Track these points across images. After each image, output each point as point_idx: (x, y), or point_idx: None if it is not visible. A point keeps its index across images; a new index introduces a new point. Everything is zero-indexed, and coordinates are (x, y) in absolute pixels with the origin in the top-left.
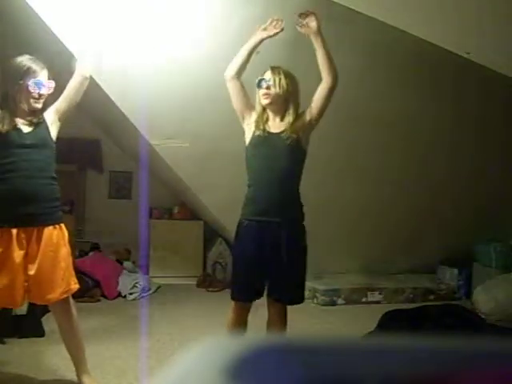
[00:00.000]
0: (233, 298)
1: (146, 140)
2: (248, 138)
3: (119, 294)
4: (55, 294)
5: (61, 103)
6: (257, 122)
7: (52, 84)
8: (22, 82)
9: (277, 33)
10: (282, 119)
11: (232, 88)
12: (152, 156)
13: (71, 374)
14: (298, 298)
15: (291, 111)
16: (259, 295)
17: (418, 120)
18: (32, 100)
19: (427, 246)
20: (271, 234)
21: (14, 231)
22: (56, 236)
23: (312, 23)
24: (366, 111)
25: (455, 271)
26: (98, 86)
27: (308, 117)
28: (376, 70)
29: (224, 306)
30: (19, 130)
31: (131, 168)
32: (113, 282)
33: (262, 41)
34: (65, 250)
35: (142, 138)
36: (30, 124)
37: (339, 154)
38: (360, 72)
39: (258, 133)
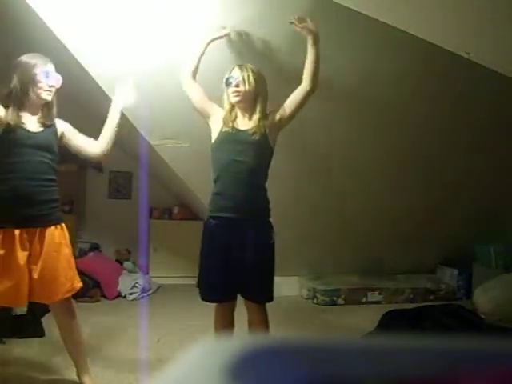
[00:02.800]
0: (202, 299)
1: (146, 140)
2: (215, 134)
3: (119, 294)
4: (60, 293)
5: (71, 132)
6: (225, 119)
7: (59, 78)
8: (32, 73)
9: (225, 35)
10: (250, 117)
11: (191, 88)
12: (152, 156)
13: (71, 374)
14: (266, 297)
15: (259, 109)
16: (232, 295)
17: (419, 122)
18: (42, 91)
19: (427, 246)
20: (238, 232)
21: (17, 232)
22: (58, 236)
23: (312, 24)
24: (368, 113)
25: (455, 271)
26: (97, 85)
27: (278, 116)
28: (375, 71)
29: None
30: (26, 129)
31: (131, 168)
32: (113, 282)
33: (210, 42)
34: (67, 250)
35: (141, 138)
36: (40, 125)
37: (340, 156)
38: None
39: (225, 129)
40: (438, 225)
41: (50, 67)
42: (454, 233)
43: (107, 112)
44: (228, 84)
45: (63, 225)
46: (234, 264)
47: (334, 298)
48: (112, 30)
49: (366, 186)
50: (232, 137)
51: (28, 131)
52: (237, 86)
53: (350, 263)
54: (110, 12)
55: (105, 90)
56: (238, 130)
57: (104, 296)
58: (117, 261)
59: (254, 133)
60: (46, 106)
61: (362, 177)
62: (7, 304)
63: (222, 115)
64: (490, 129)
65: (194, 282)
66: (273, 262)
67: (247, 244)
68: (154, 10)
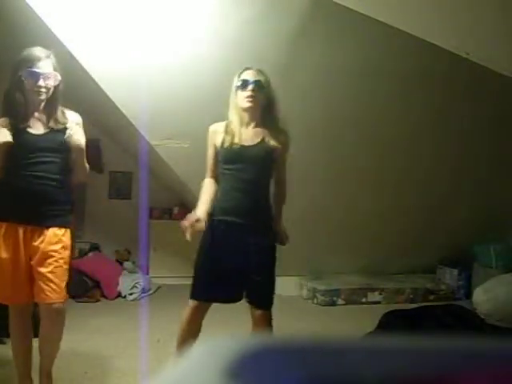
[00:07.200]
0: (192, 297)
1: (146, 140)
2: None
3: (119, 294)
4: (63, 291)
5: None
6: (225, 138)
7: (57, 76)
8: (18, 74)
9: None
10: (255, 126)
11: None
12: (152, 156)
13: (71, 375)
14: (266, 302)
15: (269, 119)
16: (221, 298)
17: (419, 122)
18: (32, 93)
19: (427, 246)
20: (239, 235)
21: (21, 229)
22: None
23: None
24: (368, 113)
25: (455, 271)
26: (98, 86)
27: (280, 151)
28: (375, 71)
29: (224, 306)
30: (30, 133)
31: (131, 168)
32: (113, 282)
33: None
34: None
35: (142, 138)
36: (46, 127)
37: (340, 156)
38: (359, 73)
39: (227, 145)
40: (438, 225)
41: (44, 64)
42: (454, 233)
43: (107, 112)
44: (243, 87)
45: (68, 228)
46: (235, 267)
47: (334, 298)
48: (112, 30)
49: (366, 187)
50: (235, 152)
51: (33, 135)
52: (252, 90)
53: (350, 263)
54: (109, 13)
55: (105, 89)
56: (241, 146)
57: (104, 296)
58: (117, 261)
59: (259, 148)
60: (48, 106)
61: (362, 178)
62: (9, 301)
63: (222, 130)
64: (490, 129)
65: None
66: (273, 266)
67: (247, 247)
68: (153, 11)
